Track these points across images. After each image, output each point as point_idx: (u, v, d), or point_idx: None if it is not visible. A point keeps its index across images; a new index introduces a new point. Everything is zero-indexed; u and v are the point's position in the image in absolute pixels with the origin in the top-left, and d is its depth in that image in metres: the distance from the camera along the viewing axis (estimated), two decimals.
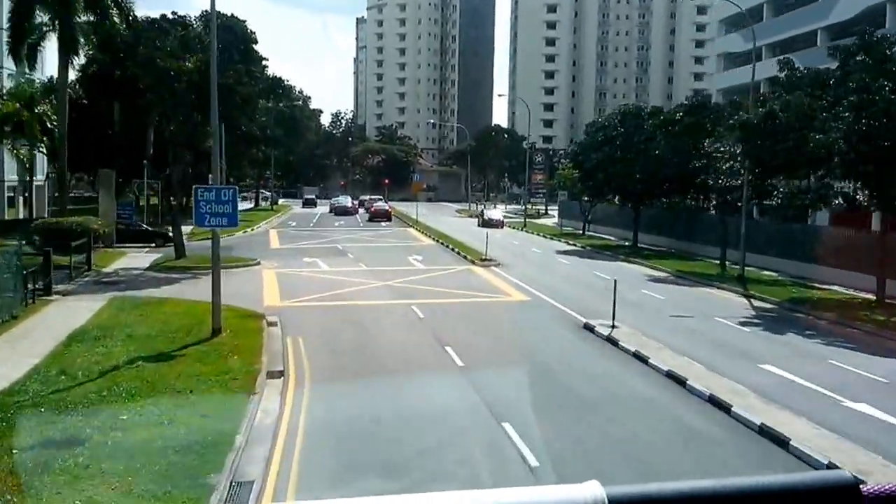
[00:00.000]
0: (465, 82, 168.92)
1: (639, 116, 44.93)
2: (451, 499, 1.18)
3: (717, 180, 34.70)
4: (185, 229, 56.47)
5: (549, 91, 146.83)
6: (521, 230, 60.03)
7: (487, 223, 60.14)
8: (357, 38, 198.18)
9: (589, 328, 20.80)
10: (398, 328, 21.03)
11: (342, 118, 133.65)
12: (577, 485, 1.22)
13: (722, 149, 34.06)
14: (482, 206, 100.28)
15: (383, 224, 64.51)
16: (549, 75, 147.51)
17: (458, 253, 39.31)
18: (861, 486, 1.21)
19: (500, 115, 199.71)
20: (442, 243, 44.34)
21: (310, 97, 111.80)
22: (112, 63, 40.29)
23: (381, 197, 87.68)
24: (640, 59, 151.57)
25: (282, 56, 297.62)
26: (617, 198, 48.90)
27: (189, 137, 54.68)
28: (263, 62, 67.66)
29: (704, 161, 35.62)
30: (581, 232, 56.80)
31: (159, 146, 54.59)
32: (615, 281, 21.87)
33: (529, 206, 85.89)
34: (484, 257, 35.06)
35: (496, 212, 69.26)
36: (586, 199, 56.15)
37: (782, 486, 1.28)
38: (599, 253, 43.58)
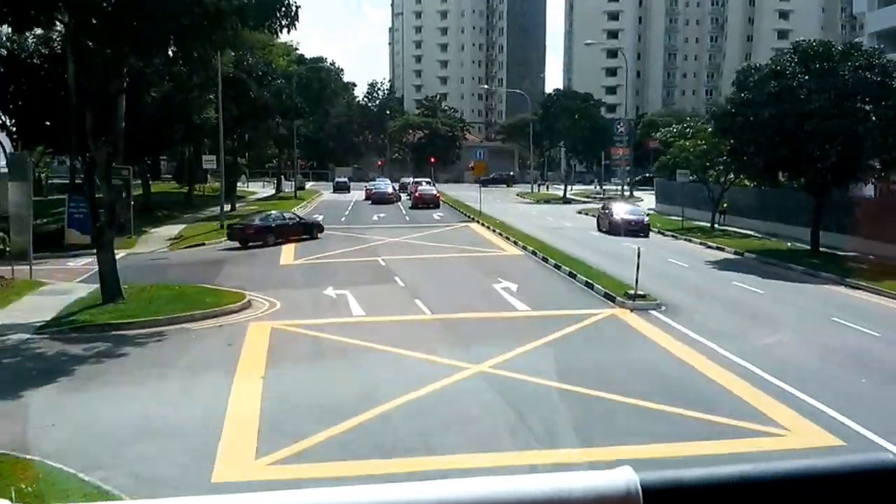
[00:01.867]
0: (514, 46, 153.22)
1: (828, 57, 30.02)
2: (484, 484, 1.21)
3: None
4: (171, 230, 43.03)
5: (612, 54, 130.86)
6: None
7: (619, 228, 37.50)
8: (392, 4, 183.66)
9: None
10: None
11: (378, 89, 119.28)
12: (610, 470, 1.24)
13: None
14: (546, 188, 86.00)
15: (435, 216, 50.20)
16: (612, 34, 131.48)
17: (575, 277, 24.79)
18: None
19: (553, 83, 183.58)
20: (538, 255, 29.83)
21: (342, 69, 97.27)
22: None
23: (427, 179, 73.35)
24: (714, 15, 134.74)
25: (308, 31, 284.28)
26: (786, 178, 34.01)
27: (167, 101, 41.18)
28: None
29: None
30: (710, 226, 41.99)
31: (138, 118, 40.97)
32: None
33: (614, 188, 71.16)
34: (634, 292, 20.55)
35: (630, 209, 42.01)
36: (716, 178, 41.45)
37: (825, 469, 1.27)
38: (778, 265, 28.90)
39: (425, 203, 56.25)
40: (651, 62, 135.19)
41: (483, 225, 42.71)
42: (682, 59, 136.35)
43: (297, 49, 60.20)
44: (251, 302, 20.99)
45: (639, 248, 20.89)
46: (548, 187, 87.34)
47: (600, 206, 43.36)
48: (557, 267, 26.47)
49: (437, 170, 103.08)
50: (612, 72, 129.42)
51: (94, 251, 34.87)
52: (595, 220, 42.74)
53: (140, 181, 53.15)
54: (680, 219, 45.16)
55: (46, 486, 8.91)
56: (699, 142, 41.25)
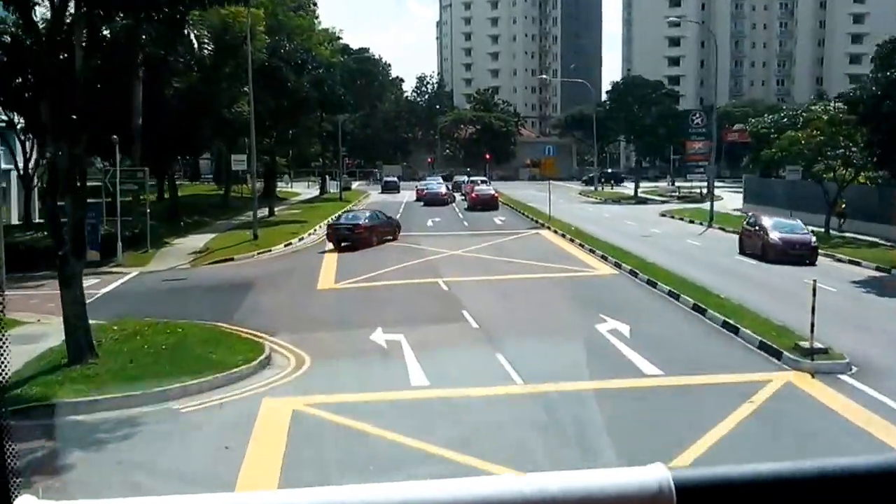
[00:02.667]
0: (569, 36, 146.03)
1: None
2: (511, 482, 1.20)
3: None
4: (197, 241, 37.68)
5: (675, 42, 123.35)
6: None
7: (777, 252, 26.85)
8: None
9: None
10: None
11: (427, 83, 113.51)
12: (642, 467, 1.22)
13: None
14: (603, 186, 79.10)
15: (496, 220, 44.22)
16: (674, 23, 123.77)
17: (705, 313, 18.59)
18: None
19: (612, 73, 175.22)
20: (640, 277, 23.63)
21: (389, 64, 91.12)
22: None
23: (483, 178, 67.22)
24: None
25: (353, 29, 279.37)
26: None
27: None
28: None
29: None
30: (825, 232, 35.29)
31: (159, 112, 35.83)
32: None
33: (691, 187, 64.30)
34: (811, 345, 14.28)
35: (789, 224, 29.21)
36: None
37: (861, 468, 1.24)
38: None
39: (483, 205, 50.32)
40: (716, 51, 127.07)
41: (556, 232, 36.63)
42: (749, 47, 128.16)
43: (340, 38, 54.64)
44: (271, 356, 15.35)
45: (814, 282, 14.60)
46: (612, 185, 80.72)
47: (745, 220, 31.68)
48: (675, 297, 20.25)
49: (491, 167, 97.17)
50: (674, 61, 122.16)
51: (105, 268, 30.07)
52: (738, 238, 30.72)
53: (164, 183, 48.26)
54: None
55: None
56: (813, 132, 34.58)
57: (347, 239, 31.62)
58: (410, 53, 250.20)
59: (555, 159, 56.86)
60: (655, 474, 1.20)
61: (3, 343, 1.45)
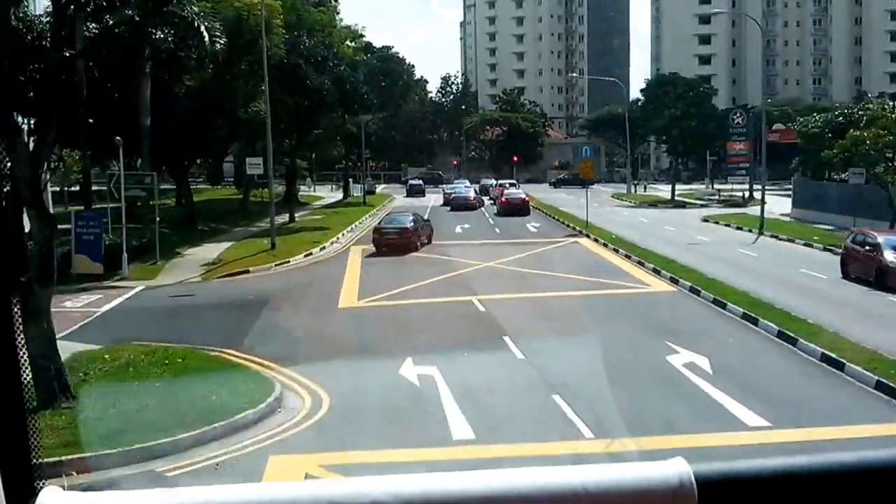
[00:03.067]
0: (595, 35, 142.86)
1: None
2: (533, 474, 1.19)
3: None
4: (211, 251, 35.29)
5: (706, 39, 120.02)
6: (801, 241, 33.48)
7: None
8: None
9: None
10: None
11: (452, 83, 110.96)
12: (662, 462, 1.21)
13: None
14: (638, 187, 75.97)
15: (529, 227, 41.51)
16: (704, 20, 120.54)
17: (796, 343, 15.63)
18: None
19: (639, 73, 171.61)
20: (702, 294, 20.90)
21: (413, 65, 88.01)
22: None
23: (512, 181, 64.39)
24: None
25: (375, 30, 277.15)
26: None
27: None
28: None
29: None
30: None
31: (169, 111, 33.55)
32: None
33: (731, 190, 61.26)
34: None
35: None
36: None
37: (881, 462, 1.23)
38: None
39: (514, 210, 47.60)
40: (748, 49, 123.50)
41: (596, 240, 33.90)
42: (782, 45, 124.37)
43: (363, 35, 52.09)
44: (283, 395, 12.83)
45: None
46: (645, 188, 77.72)
47: (850, 236, 25.31)
48: (751, 321, 17.40)
49: (518, 169, 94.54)
50: (705, 59, 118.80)
51: (108, 282, 27.74)
52: (839, 259, 25.04)
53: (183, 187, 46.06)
54: (831, 229, 35.57)
55: None
56: (881, 131, 31.59)
57: (394, 244, 30.76)
58: (434, 54, 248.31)
59: (593, 162, 53.98)
60: (676, 468, 1.18)
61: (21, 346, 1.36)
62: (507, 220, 45.07)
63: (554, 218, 45.86)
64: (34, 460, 1.37)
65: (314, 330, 17.83)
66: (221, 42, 32.61)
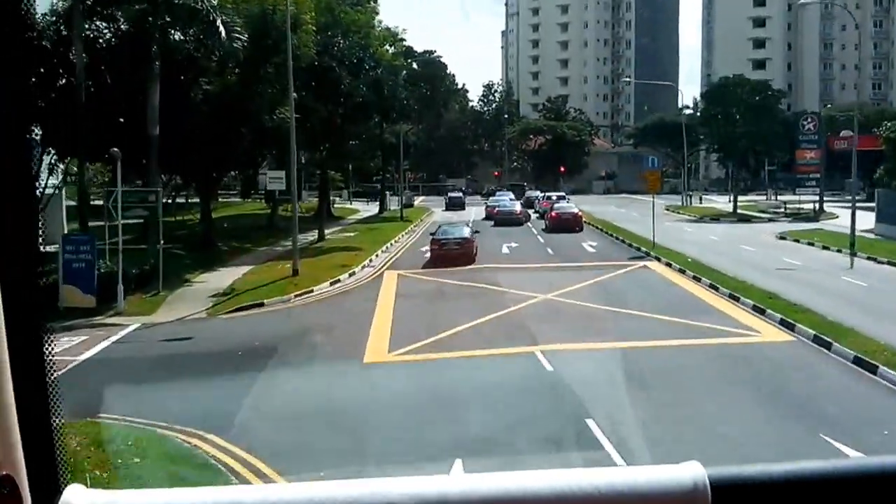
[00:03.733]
0: (643, 41, 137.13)
1: None
2: (546, 477, 1.19)
3: None
4: (225, 277, 31.03)
5: (760, 43, 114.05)
6: None
7: None
8: (507, 4, 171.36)
9: None
10: None
11: (494, 91, 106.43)
12: (677, 465, 1.20)
13: None
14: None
15: (586, 246, 36.67)
16: (759, 23, 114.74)
17: None
18: None
19: (689, 79, 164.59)
20: (832, 348, 15.91)
21: (454, 74, 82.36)
22: None
23: (561, 193, 59.25)
24: None
25: (412, 41, 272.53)
26: None
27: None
28: None
29: None
30: None
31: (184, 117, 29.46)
32: None
33: (799, 202, 55.74)
34: None
35: None
36: None
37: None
38: None
39: (565, 225, 42.80)
40: (804, 53, 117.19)
41: (668, 265, 28.97)
42: (839, 49, 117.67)
43: (403, 39, 47.56)
44: None
45: None
46: (700, 199, 72.30)
47: None
48: None
49: (563, 180, 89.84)
50: (759, 64, 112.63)
51: (100, 318, 23.54)
52: None
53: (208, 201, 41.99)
54: None
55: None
56: None
57: (453, 256, 30.00)
58: (472, 67, 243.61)
59: (659, 173, 48.92)
60: (691, 472, 1.17)
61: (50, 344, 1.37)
62: (558, 237, 40.24)
63: (611, 235, 40.97)
64: (58, 458, 1.36)
65: (329, 404, 13.25)
66: (242, 39, 28.46)
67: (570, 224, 42.77)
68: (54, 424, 1.43)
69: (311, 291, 25.47)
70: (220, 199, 38.48)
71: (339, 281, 27.37)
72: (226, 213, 53.51)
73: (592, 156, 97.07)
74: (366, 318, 20.38)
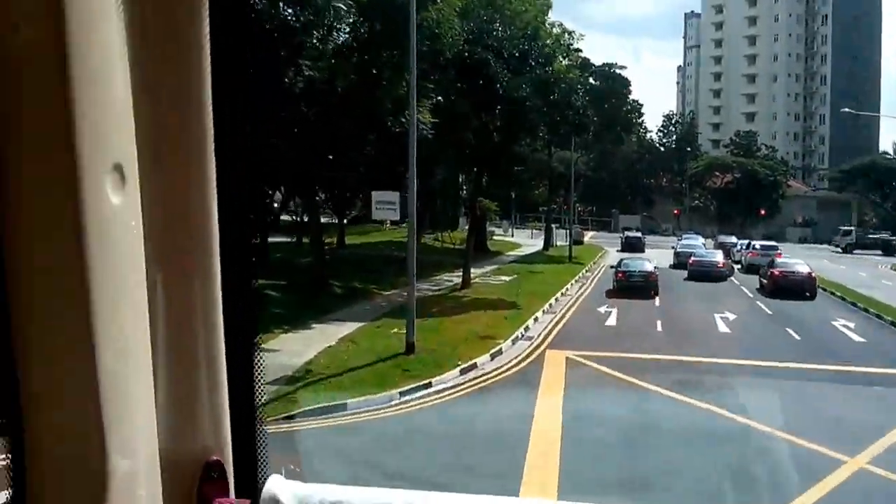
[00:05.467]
0: (840, 76, 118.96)
1: None
2: None
3: None
4: (318, 340, 20.99)
5: None
6: None
7: None
8: (685, 37, 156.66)
9: None
10: None
11: (676, 122, 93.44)
12: None
13: None
14: None
15: (839, 326, 24.12)
16: None
17: None
18: None
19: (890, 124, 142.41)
20: None
21: (640, 103, 68.03)
22: None
23: (771, 243, 45.49)
24: None
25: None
26: None
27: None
28: None
29: None
30: None
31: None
32: None
33: None
34: None
35: None
36: None
37: None
38: None
39: (793, 288, 30.15)
40: None
41: None
42: None
43: (580, 50, 36.10)
44: None
45: None
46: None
47: None
48: None
49: (748, 224, 75.89)
50: None
51: None
52: None
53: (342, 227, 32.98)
54: None
55: None
56: None
57: (639, 287, 28.79)
58: (649, 102, 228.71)
59: None
60: None
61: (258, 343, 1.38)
62: (787, 307, 27.77)
63: (860, 308, 28.07)
64: (260, 450, 1.38)
65: None
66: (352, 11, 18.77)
67: (800, 287, 30.17)
68: (258, 418, 1.42)
69: (429, 385, 15.20)
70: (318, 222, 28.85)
71: (474, 365, 16.91)
72: (364, 240, 44.63)
73: (787, 199, 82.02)
74: (515, 450, 9.77)
